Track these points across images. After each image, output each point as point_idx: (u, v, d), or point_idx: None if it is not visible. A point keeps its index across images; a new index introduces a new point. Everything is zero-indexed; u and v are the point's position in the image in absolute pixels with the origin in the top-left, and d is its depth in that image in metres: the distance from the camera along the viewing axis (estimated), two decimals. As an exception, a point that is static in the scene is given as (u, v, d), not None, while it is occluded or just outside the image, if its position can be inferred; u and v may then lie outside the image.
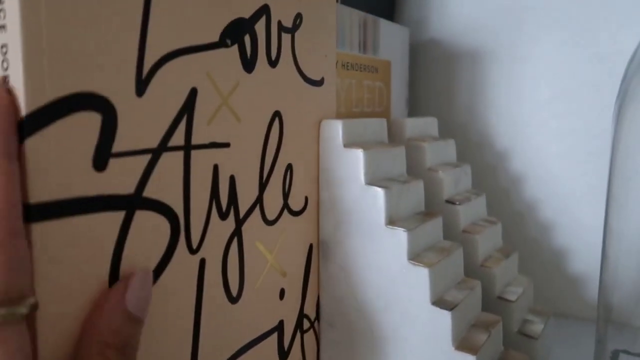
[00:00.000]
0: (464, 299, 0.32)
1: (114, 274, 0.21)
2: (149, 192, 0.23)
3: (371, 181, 0.32)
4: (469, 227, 0.40)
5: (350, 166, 0.32)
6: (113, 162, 0.21)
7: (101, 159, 0.21)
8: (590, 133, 0.48)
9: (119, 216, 0.21)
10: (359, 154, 0.32)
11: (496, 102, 0.51)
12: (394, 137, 0.42)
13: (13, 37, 0.18)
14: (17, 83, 0.18)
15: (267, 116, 0.29)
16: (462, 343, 0.30)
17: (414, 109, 0.55)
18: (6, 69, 0.18)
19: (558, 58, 0.48)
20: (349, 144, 0.33)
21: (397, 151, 0.36)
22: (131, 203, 0.22)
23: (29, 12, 0.18)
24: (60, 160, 0.19)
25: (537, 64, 0.49)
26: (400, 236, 0.31)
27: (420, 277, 0.31)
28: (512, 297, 0.38)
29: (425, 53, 0.55)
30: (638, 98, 0.34)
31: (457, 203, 0.40)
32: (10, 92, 0.18)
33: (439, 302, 0.31)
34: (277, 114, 0.30)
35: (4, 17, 0.18)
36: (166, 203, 0.24)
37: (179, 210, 0.24)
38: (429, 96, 0.55)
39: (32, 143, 0.18)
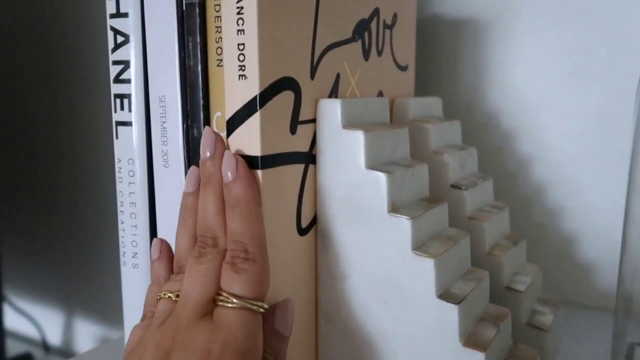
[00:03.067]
0: (472, 291, 0.30)
1: (299, 210, 0.30)
2: (314, 151, 0.31)
3: (372, 165, 0.30)
4: (475, 213, 0.38)
5: (349, 149, 0.30)
6: (299, 128, 0.30)
7: (294, 125, 0.29)
8: (602, 113, 0.46)
9: (301, 168, 0.30)
10: (359, 136, 0.30)
11: (503, 80, 0.49)
12: (396, 118, 0.39)
13: (250, 39, 0.26)
14: (253, 71, 0.26)
15: (374, 94, 0.38)
16: (469, 338, 0.28)
17: (416, 88, 0.52)
18: (242, 61, 0.27)
19: (569, 33, 0.46)
20: (348, 124, 0.30)
21: (400, 133, 0.34)
22: (307, 158, 0.31)
23: (262, 21, 0.26)
24: (274, 125, 0.28)
25: (547, 40, 0.47)
26: (403, 225, 0.29)
27: (425, 269, 0.28)
28: (521, 288, 0.36)
29: (429, 29, 0.52)
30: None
31: (464, 188, 0.37)
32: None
33: (445, 295, 0.29)
34: (380, 93, 0.39)
35: (243, 23, 0.26)
36: None
37: None
38: (432, 75, 0.52)
39: (262, 113, 0.27)
